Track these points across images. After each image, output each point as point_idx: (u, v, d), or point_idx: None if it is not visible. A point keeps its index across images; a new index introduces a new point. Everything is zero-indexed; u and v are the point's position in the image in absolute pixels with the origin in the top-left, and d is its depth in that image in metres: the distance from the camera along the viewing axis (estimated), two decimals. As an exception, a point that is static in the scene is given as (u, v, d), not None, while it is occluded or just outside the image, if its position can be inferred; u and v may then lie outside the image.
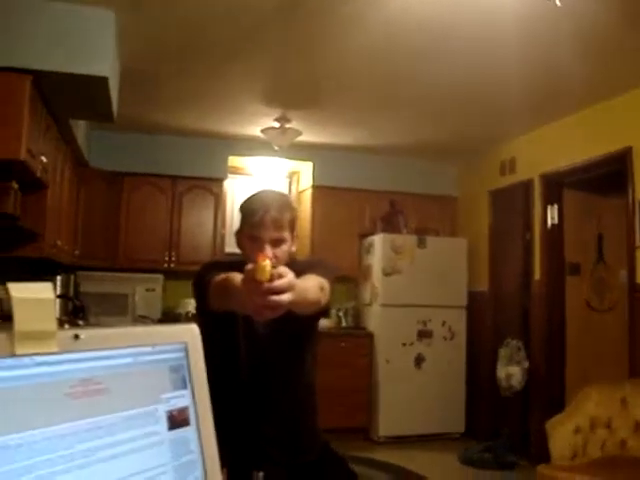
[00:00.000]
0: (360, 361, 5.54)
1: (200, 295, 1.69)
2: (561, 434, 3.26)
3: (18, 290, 0.63)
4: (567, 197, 4.94)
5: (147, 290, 5.33)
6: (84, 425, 0.68)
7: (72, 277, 4.99)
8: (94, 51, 3.09)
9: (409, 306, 5.53)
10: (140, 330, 0.82)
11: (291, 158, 5.91)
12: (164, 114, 5.00)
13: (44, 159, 3.33)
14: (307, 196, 6.12)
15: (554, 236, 4.90)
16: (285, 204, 1.76)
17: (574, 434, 3.25)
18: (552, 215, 4.91)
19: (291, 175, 6.50)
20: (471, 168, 6.18)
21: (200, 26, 3.33)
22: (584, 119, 4.53)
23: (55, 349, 0.66)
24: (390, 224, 5.85)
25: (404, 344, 5.51)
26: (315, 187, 5.98)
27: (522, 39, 3.30)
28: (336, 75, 4.04)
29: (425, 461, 4.82)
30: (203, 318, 1.72)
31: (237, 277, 1.39)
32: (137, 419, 0.74)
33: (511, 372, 4.92)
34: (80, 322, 4.32)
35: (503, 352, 5.05)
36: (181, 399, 0.81)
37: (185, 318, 5.23)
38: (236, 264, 1.57)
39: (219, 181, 5.75)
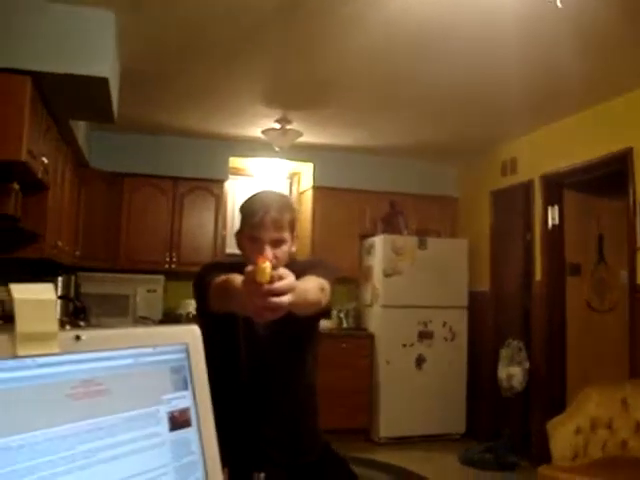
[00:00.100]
0: (361, 362, 5.54)
1: (200, 296, 1.70)
2: (562, 435, 3.25)
3: (20, 291, 0.63)
4: (568, 198, 4.94)
5: (148, 291, 5.33)
6: (85, 426, 0.68)
7: (73, 278, 4.99)
8: (94, 52, 3.09)
9: (410, 307, 5.52)
10: (141, 331, 0.83)
11: (292, 159, 5.91)
12: (165, 115, 5.00)
13: (45, 160, 3.34)
14: (308, 197, 6.13)
15: (555, 237, 4.90)
16: (285, 205, 1.76)
17: (575, 435, 3.25)
18: (553, 216, 4.91)
19: (292, 176, 6.51)
20: (472, 169, 6.18)
21: (200, 27, 3.34)
22: (585, 120, 4.53)
23: (56, 350, 0.66)
24: (390, 225, 5.85)
25: (405, 345, 5.51)
26: (316, 188, 5.98)
27: (522, 39, 3.30)
28: (337, 76, 4.04)
29: (426, 462, 4.82)
30: (203, 319, 1.72)
31: (237, 278, 1.39)
32: (138, 420, 0.74)
33: (512, 373, 4.92)
34: (81, 323, 4.32)
35: (504, 353, 5.05)
36: (182, 400, 0.81)
37: (186, 319, 5.23)
38: (236, 265, 1.57)
39: (220, 182, 5.75)
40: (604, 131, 4.31)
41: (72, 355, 0.68)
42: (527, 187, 5.16)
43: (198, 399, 0.82)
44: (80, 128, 4.44)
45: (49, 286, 0.66)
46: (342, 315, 5.86)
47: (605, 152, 4.25)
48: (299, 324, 1.66)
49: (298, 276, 1.35)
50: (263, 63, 3.86)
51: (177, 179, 5.59)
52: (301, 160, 6.01)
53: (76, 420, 0.67)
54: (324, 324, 4.60)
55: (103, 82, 3.17)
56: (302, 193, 6.35)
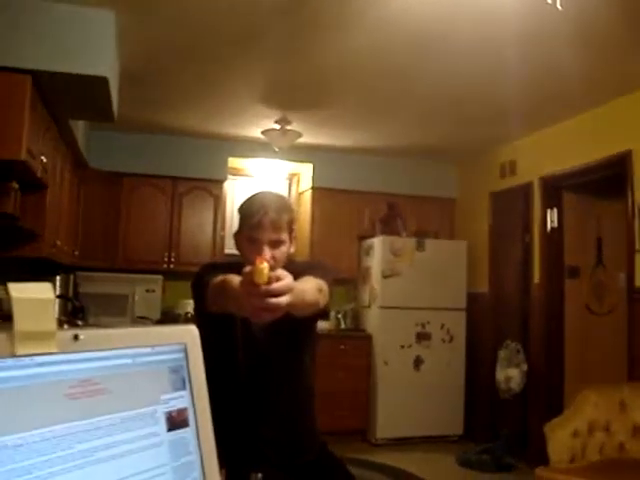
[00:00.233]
0: (359, 363, 5.54)
1: (198, 296, 1.70)
2: (560, 437, 3.25)
3: (18, 290, 0.63)
4: (567, 200, 4.94)
5: (146, 291, 5.33)
6: (83, 426, 0.68)
7: (71, 277, 4.99)
8: (94, 51, 3.09)
9: (408, 308, 5.52)
10: (139, 331, 0.83)
11: (291, 160, 5.91)
12: (164, 115, 5.00)
13: (44, 159, 3.34)
14: (307, 198, 6.13)
15: (554, 239, 4.90)
16: (283, 205, 1.76)
17: (572, 437, 3.25)
18: (552, 218, 4.91)
19: (291, 177, 6.51)
20: (471, 170, 6.18)
21: (200, 27, 3.34)
22: (584, 122, 4.53)
23: (55, 349, 0.66)
24: (389, 226, 5.85)
25: (403, 346, 5.51)
26: (315, 189, 5.98)
27: (522, 40, 3.31)
28: (336, 77, 4.04)
29: (423, 463, 4.82)
30: (201, 319, 1.72)
31: (235, 279, 1.39)
32: (136, 420, 0.74)
33: (510, 374, 4.92)
34: (79, 323, 4.32)
35: (502, 354, 5.05)
36: (180, 400, 0.81)
37: (184, 319, 5.23)
38: (235, 265, 1.57)
39: (219, 182, 5.75)
40: (603, 133, 4.32)
41: (70, 354, 0.68)
42: (526, 189, 5.16)
43: (196, 399, 0.82)
44: (79, 128, 4.44)
45: (47, 285, 0.66)
46: (340, 316, 5.86)
47: (604, 154, 4.25)
48: (297, 325, 1.66)
49: (296, 277, 1.35)
50: (263, 64, 3.86)
51: (176, 179, 5.59)
52: (300, 161, 6.01)
53: (74, 419, 0.67)
54: (322, 325, 4.60)
55: (103, 82, 3.17)
56: (301, 194, 6.35)
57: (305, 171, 6.21)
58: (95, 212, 5.26)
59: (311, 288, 1.56)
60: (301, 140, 5.18)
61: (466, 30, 3.22)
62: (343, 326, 5.87)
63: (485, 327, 5.59)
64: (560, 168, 4.74)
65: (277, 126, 4.93)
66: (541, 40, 3.29)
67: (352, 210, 6.00)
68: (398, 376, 5.46)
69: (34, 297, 0.64)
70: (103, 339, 0.74)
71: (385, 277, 5.53)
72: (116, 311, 5.17)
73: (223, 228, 5.75)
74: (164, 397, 0.79)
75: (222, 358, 1.73)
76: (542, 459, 3.30)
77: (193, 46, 3.60)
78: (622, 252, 4.16)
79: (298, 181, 6.46)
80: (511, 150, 5.47)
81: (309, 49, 3.59)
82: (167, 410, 0.79)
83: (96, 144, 5.30)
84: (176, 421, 0.79)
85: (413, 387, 5.47)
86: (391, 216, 5.92)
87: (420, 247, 5.65)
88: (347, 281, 5.90)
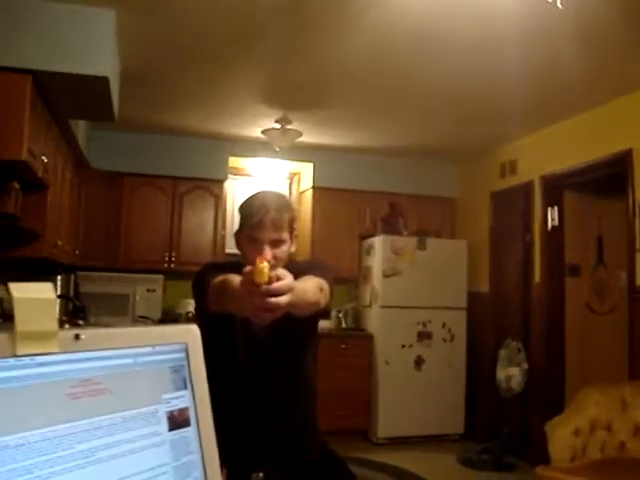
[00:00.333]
0: (360, 362, 5.54)
1: (199, 296, 1.70)
2: (560, 436, 3.25)
3: (19, 290, 0.63)
4: (567, 199, 4.94)
5: (147, 290, 5.33)
6: (84, 425, 0.68)
7: (72, 277, 4.99)
8: (95, 51, 3.09)
9: (409, 308, 5.52)
10: (140, 330, 0.83)
11: (292, 159, 5.91)
12: (165, 115, 5.00)
13: (45, 159, 3.34)
14: (307, 197, 6.13)
15: (554, 238, 4.90)
16: (284, 205, 1.76)
17: (573, 436, 3.24)
18: (552, 217, 4.91)
19: (292, 176, 6.51)
20: (472, 170, 6.18)
21: (201, 27, 3.34)
22: (585, 121, 4.53)
23: (56, 349, 0.66)
24: (390, 225, 5.85)
25: (404, 345, 5.51)
26: (315, 188, 5.98)
27: (522, 40, 3.31)
28: (337, 76, 4.04)
29: (424, 462, 4.82)
30: (202, 319, 1.72)
31: (236, 279, 1.39)
32: (137, 420, 0.74)
33: (511, 373, 4.92)
34: (80, 322, 4.32)
35: (503, 353, 5.05)
36: (181, 400, 0.81)
37: (185, 318, 5.23)
38: (236, 265, 1.57)
39: (220, 182, 5.75)
40: (604, 132, 4.32)
41: (71, 354, 0.68)
42: (527, 188, 5.16)
43: (197, 399, 0.82)
44: (80, 127, 4.44)
45: (49, 285, 0.66)
46: (341, 315, 5.86)
47: (605, 153, 4.25)
48: (297, 324, 1.66)
49: (297, 277, 1.35)
50: (263, 63, 3.86)
51: (177, 179, 5.59)
52: (301, 160, 6.01)
53: (75, 419, 0.67)
54: (323, 324, 4.60)
55: (104, 81, 3.17)
56: (302, 193, 6.35)
57: (306, 170, 6.21)
58: (96, 212, 5.26)
59: (312, 287, 1.56)
60: (302, 139, 5.18)
61: (466, 30, 3.22)
62: (344, 325, 5.87)
63: (486, 326, 5.59)
64: (560, 167, 4.74)
65: (278, 125, 4.93)
66: (541, 39, 3.29)
67: (353, 209, 6.00)
68: (399, 375, 5.47)
69: (35, 297, 0.64)
70: (104, 339, 0.74)
71: (386, 276, 5.53)
72: (117, 311, 5.17)
73: (224, 228, 5.75)
74: (165, 397, 0.79)
75: (223, 358, 1.73)
76: (543, 458, 3.30)
77: (194, 46, 3.60)
78: (623, 251, 4.16)
79: (299, 180, 6.46)
80: (511, 149, 5.47)
81: (309, 49, 3.59)
82: (168, 410, 0.79)
83: (97, 144, 5.30)
84: (177, 421, 0.79)
85: (414, 386, 5.47)
86: (392, 215, 5.92)
87: (421, 246, 5.65)
88: (348, 280, 5.90)
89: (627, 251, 4.07)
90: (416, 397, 5.45)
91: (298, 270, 1.50)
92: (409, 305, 5.53)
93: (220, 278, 1.54)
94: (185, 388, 0.82)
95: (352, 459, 3.99)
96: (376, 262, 5.63)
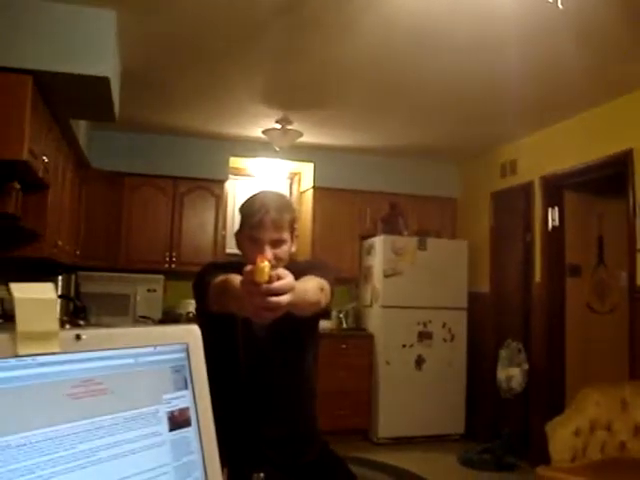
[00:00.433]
0: (360, 362, 5.54)
1: (200, 296, 1.70)
2: (561, 436, 3.25)
3: (20, 290, 0.63)
4: (568, 199, 4.94)
5: (148, 290, 5.33)
6: (85, 425, 0.68)
7: (73, 277, 5.00)
8: (96, 51, 3.10)
9: (409, 307, 5.52)
10: (141, 331, 0.83)
11: (292, 159, 5.92)
12: (165, 115, 5.00)
13: (46, 159, 3.34)
14: (308, 197, 6.13)
15: (555, 238, 4.90)
16: (285, 205, 1.76)
17: (574, 436, 3.24)
18: (553, 217, 4.91)
19: (292, 176, 6.51)
20: (472, 170, 6.18)
21: (201, 27, 3.34)
22: (585, 121, 4.53)
23: (57, 349, 0.66)
24: (391, 225, 5.85)
25: (404, 345, 5.51)
26: (316, 188, 5.98)
27: (522, 41, 3.31)
28: (337, 77, 4.04)
29: (425, 462, 4.82)
30: (203, 319, 1.72)
31: (236, 279, 1.39)
32: (138, 420, 0.75)
33: (511, 374, 4.92)
34: (81, 322, 4.32)
35: (503, 354, 5.05)
36: (182, 400, 0.81)
37: (186, 319, 5.23)
38: (236, 265, 1.57)
39: (220, 182, 5.75)
40: (604, 132, 4.32)
41: (72, 354, 0.68)
42: (527, 188, 5.16)
43: (198, 399, 0.83)
44: (81, 128, 4.45)
45: (49, 285, 0.66)
46: (342, 315, 5.86)
47: (605, 153, 4.25)
48: (298, 324, 1.66)
49: (297, 277, 1.35)
50: (264, 64, 3.86)
51: (177, 179, 5.59)
52: (301, 160, 6.01)
53: (76, 419, 0.67)
54: (324, 324, 4.60)
55: (104, 81, 3.17)
56: (302, 193, 6.35)
57: (306, 170, 6.21)
58: (97, 212, 5.26)
59: (313, 287, 1.56)
60: (302, 139, 5.18)
61: (466, 29, 3.22)
62: (345, 325, 5.87)
63: (486, 326, 5.59)
64: (561, 167, 4.74)
65: (278, 126, 4.93)
66: (541, 39, 3.29)
67: (353, 209, 6.00)
68: (400, 375, 5.47)
69: (36, 297, 0.64)
70: (105, 339, 0.74)
71: (387, 276, 5.53)
72: (118, 311, 5.18)
73: (224, 228, 5.75)
74: (166, 397, 0.79)
75: (223, 358, 1.73)
76: (543, 458, 3.30)
77: (194, 46, 3.60)
78: (623, 251, 4.16)
79: (299, 180, 6.46)
80: (512, 149, 5.47)
81: (309, 49, 3.59)
82: (169, 410, 0.79)
83: (98, 144, 5.30)
84: (178, 421, 0.79)
85: (415, 386, 5.47)
86: (392, 215, 5.92)
87: (421, 246, 5.65)
88: (348, 280, 5.90)
89: (627, 251, 4.07)
90: (417, 397, 5.45)
91: (299, 270, 1.50)
92: (410, 305, 5.53)
93: (221, 278, 1.54)
94: (186, 388, 0.82)
95: (353, 459, 3.99)
96: (377, 262, 5.64)
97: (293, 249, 1.77)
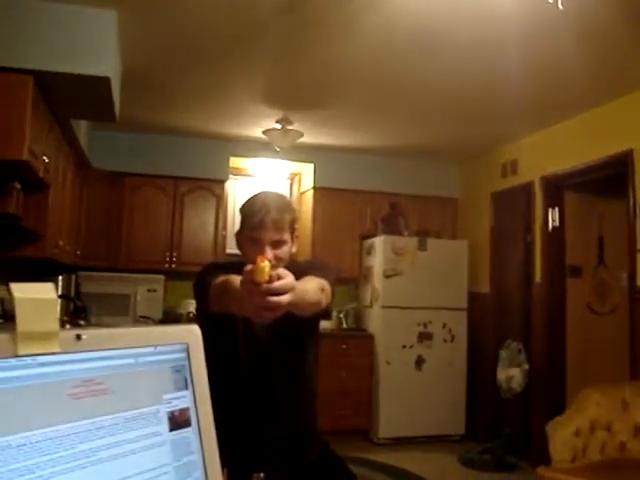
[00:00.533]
0: (360, 363, 5.54)
1: (200, 297, 1.70)
2: (561, 436, 3.25)
3: (21, 290, 0.63)
4: (568, 199, 4.94)
5: (148, 290, 5.33)
6: (86, 425, 0.68)
7: (73, 277, 5.00)
8: (96, 51, 3.10)
9: (410, 308, 5.52)
10: (142, 331, 0.83)
11: (292, 159, 5.92)
12: (166, 115, 5.00)
13: (46, 159, 3.34)
14: (308, 197, 6.13)
15: (555, 238, 4.90)
16: (285, 205, 1.76)
17: (574, 436, 3.24)
18: (553, 217, 4.91)
19: (292, 176, 6.51)
20: (472, 170, 6.18)
21: (202, 27, 3.34)
22: (585, 121, 4.53)
23: (57, 349, 0.66)
24: (391, 226, 5.85)
25: (404, 346, 5.51)
26: (316, 188, 5.98)
27: (523, 39, 3.30)
28: (337, 77, 4.04)
29: (425, 463, 4.82)
30: (203, 319, 1.72)
31: (236, 279, 1.39)
32: (138, 420, 0.75)
33: (512, 374, 4.92)
34: (82, 322, 4.32)
35: (504, 354, 5.05)
36: (182, 400, 0.81)
37: (186, 319, 5.23)
38: (237, 265, 1.58)
39: (221, 182, 5.75)
40: (604, 133, 4.32)
41: (73, 354, 0.68)
42: (527, 189, 5.16)
43: (198, 399, 0.83)
44: (82, 128, 4.45)
45: (50, 285, 0.66)
46: (342, 316, 5.86)
47: (605, 154, 4.25)
48: (299, 325, 1.66)
49: (298, 277, 1.35)
50: (264, 64, 3.87)
51: (178, 179, 5.60)
52: (302, 160, 6.01)
53: (77, 419, 0.67)
54: (324, 325, 4.60)
55: (105, 82, 3.17)
56: (303, 193, 6.35)
57: (306, 171, 6.21)
58: (97, 212, 5.26)
59: (313, 288, 1.56)
60: (302, 140, 5.18)
61: (466, 29, 3.22)
62: (345, 326, 5.87)
63: (486, 327, 5.59)
64: (561, 167, 4.74)
65: (278, 126, 4.93)
66: (541, 39, 3.29)
67: (354, 210, 6.00)
68: (400, 376, 5.47)
69: (37, 297, 0.64)
70: (106, 339, 0.74)
71: (387, 277, 5.53)
72: (118, 311, 5.18)
73: (225, 228, 5.75)
74: (166, 397, 0.79)
75: (224, 358, 1.73)
76: (544, 458, 3.30)
77: (195, 46, 3.61)
78: (624, 251, 4.16)
79: (299, 181, 6.46)
80: (512, 149, 5.47)
81: (310, 49, 3.59)
82: (169, 410, 0.79)
83: (98, 144, 5.30)
84: (178, 421, 0.79)
85: (415, 387, 5.47)
86: (393, 215, 5.92)
87: (422, 247, 5.65)
88: (349, 281, 5.90)
89: (628, 251, 4.07)
90: (417, 397, 5.45)
91: (299, 270, 1.50)
92: (410, 305, 5.53)
93: (221, 279, 1.54)
94: (186, 388, 0.82)
95: (353, 459, 3.99)
96: (377, 262, 5.64)
97: (294, 249, 1.77)
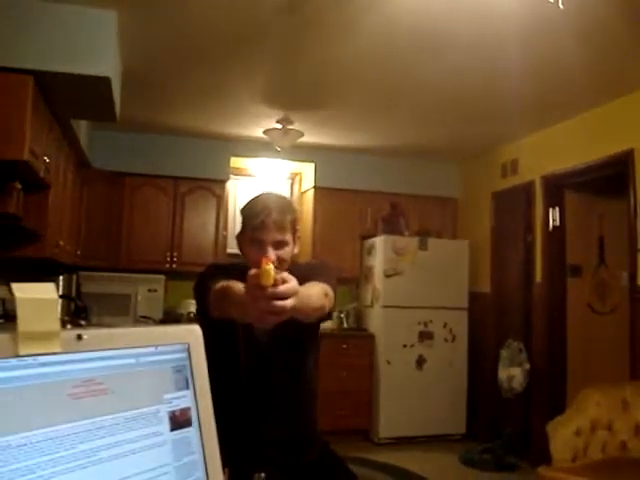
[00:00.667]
0: (361, 362, 5.54)
1: (200, 301, 1.70)
2: (562, 436, 3.25)
3: (21, 290, 0.63)
4: (569, 199, 4.94)
5: (149, 290, 5.33)
6: (86, 425, 0.68)
7: (74, 277, 5.00)
8: (96, 51, 3.10)
9: (410, 307, 5.52)
10: (143, 331, 0.83)
11: (293, 159, 5.92)
12: (166, 115, 5.00)
13: (47, 159, 3.34)
14: (309, 197, 6.13)
15: (555, 238, 4.90)
16: (286, 206, 1.76)
17: (575, 436, 3.24)
18: (554, 217, 4.91)
19: (293, 176, 6.51)
20: (473, 170, 6.18)
21: (202, 27, 3.34)
22: (586, 121, 4.53)
23: (58, 349, 0.66)
24: (391, 225, 5.85)
25: (405, 345, 5.50)
26: (317, 188, 5.98)
27: (523, 39, 3.30)
28: (337, 77, 4.04)
29: (425, 462, 4.81)
30: (203, 321, 1.72)
31: (237, 285, 1.39)
32: (139, 420, 0.75)
33: (512, 374, 4.92)
34: (82, 322, 4.32)
35: (504, 354, 5.05)
36: (183, 400, 0.81)
37: (187, 319, 5.23)
38: (238, 267, 1.57)
39: (221, 182, 5.75)
40: (605, 132, 4.31)
41: (73, 354, 0.68)
42: (528, 188, 5.16)
43: (199, 399, 0.83)
44: (82, 128, 4.45)
45: (51, 285, 0.66)
46: (343, 315, 5.86)
47: (606, 153, 4.24)
48: (300, 329, 1.66)
49: (301, 281, 1.35)
50: (264, 64, 3.87)
51: (178, 179, 5.60)
52: (302, 160, 6.01)
53: (77, 419, 0.67)
54: (324, 324, 4.60)
55: (105, 82, 3.17)
56: (303, 193, 6.35)
57: (307, 171, 6.21)
58: (98, 212, 5.27)
59: (317, 293, 1.56)
60: (303, 140, 5.18)
61: (466, 28, 3.22)
62: (345, 325, 5.87)
63: (487, 326, 5.59)
64: (562, 167, 4.74)
65: (279, 126, 4.93)
66: (541, 38, 3.29)
67: (354, 209, 6.00)
68: (400, 375, 5.46)
69: (37, 297, 0.64)
70: (106, 339, 0.74)
71: (387, 276, 5.53)
72: (119, 311, 5.18)
73: (225, 228, 5.75)
74: (167, 397, 0.79)
75: (224, 361, 1.73)
76: (544, 458, 3.30)
77: (195, 46, 3.60)
78: (624, 251, 4.16)
79: (300, 181, 6.46)
80: (513, 149, 5.47)
81: (310, 49, 3.59)
82: (170, 410, 0.79)
83: (99, 144, 5.30)
84: (179, 420, 0.79)
85: (415, 386, 5.47)
86: (393, 215, 5.92)
87: (422, 246, 5.65)
88: (349, 280, 5.90)
89: (628, 251, 4.07)
90: (417, 397, 5.45)
91: (302, 273, 1.49)
92: (410, 305, 5.53)
93: (221, 284, 1.53)
94: (187, 388, 0.82)
95: (353, 459, 3.99)
96: (377, 262, 5.63)
97: (295, 250, 1.77)
